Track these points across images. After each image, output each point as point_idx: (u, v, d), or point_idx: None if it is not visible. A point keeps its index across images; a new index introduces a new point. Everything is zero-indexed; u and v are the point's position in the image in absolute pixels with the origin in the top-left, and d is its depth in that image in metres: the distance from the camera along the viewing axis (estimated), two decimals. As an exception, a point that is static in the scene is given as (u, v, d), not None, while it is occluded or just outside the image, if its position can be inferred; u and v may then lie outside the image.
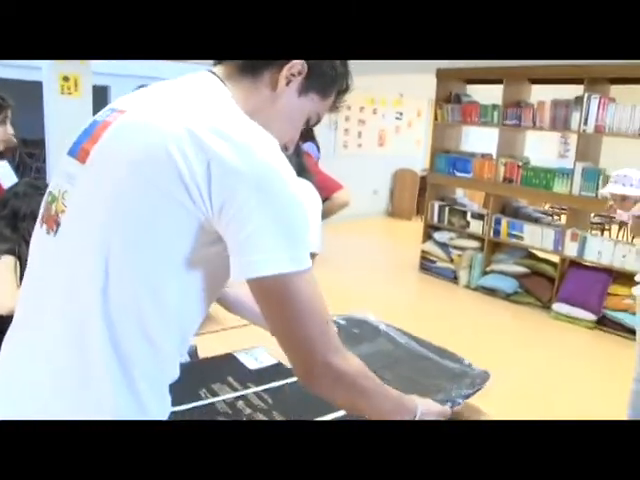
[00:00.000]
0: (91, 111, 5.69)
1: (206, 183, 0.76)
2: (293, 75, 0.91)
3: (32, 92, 6.10)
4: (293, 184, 0.83)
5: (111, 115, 0.88)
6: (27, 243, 2.00)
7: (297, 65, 0.90)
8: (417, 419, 1.02)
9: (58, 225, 0.87)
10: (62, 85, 5.40)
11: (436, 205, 5.93)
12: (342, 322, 1.67)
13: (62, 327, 0.83)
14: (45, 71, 5.44)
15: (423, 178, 8.69)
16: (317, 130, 5.74)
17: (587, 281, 4.68)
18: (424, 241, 6.06)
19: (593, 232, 6.10)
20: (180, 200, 0.77)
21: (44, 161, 10.61)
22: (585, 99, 4.54)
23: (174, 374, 0.91)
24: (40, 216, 0.93)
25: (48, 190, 0.93)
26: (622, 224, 7.67)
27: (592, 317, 4.63)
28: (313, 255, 2.18)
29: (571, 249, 4.82)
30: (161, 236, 0.79)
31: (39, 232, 0.92)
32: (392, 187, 9.54)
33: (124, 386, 0.82)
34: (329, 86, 0.97)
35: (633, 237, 6.40)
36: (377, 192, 9.34)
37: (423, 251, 6.05)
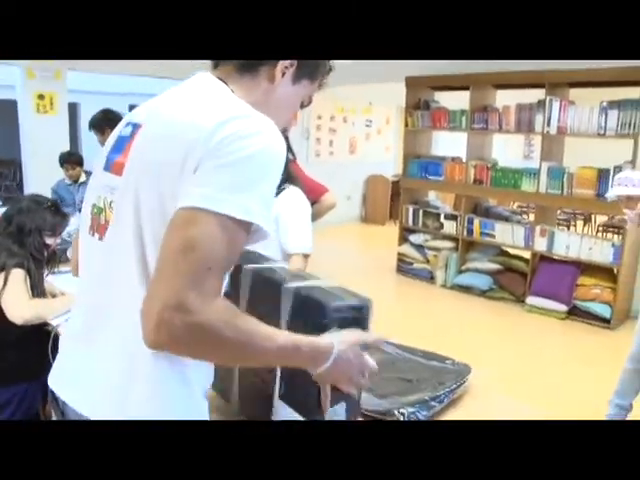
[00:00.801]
0: (67, 129, 5.73)
1: (201, 154, 0.86)
2: (286, 67, 1.05)
3: (6, 111, 6.11)
4: (275, 157, 0.91)
5: (134, 132, 1.00)
6: (33, 257, 2.10)
7: (288, 61, 1.04)
8: (334, 354, 0.99)
9: (106, 230, 1.00)
10: (37, 103, 5.44)
11: (410, 208, 6.13)
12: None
13: (125, 316, 0.94)
14: (19, 89, 5.47)
15: (394, 183, 8.92)
16: (290, 140, 5.88)
17: (557, 274, 4.92)
18: (400, 244, 6.25)
19: (560, 228, 6.38)
20: (180, 177, 0.87)
21: (13, 179, 10.54)
22: (547, 102, 4.80)
23: None
24: (87, 227, 1.05)
25: (92, 203, 1.05)
26: (586, 221, 8.01)
27: (563, 308, 4.87)
28: (306, 255, 2.32)
29: (541, 244, 5.06)
30: (170, 208, 0.88)
31: (90, 240, 1.04)
32: (365, 193, 9.75)
33: (167, 360, 0.93)
34: (316, 71, 1.12)
35: (597, 231, 6.71)
36: (350, 198, 9.53)
37: (399, 253, 6.24)
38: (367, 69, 6.61)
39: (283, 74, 1.05)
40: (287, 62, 1.04)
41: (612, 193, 2.81)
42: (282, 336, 0.93)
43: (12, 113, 5.70)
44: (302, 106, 1.15)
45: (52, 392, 1.08)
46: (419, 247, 6.04)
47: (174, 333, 0.80)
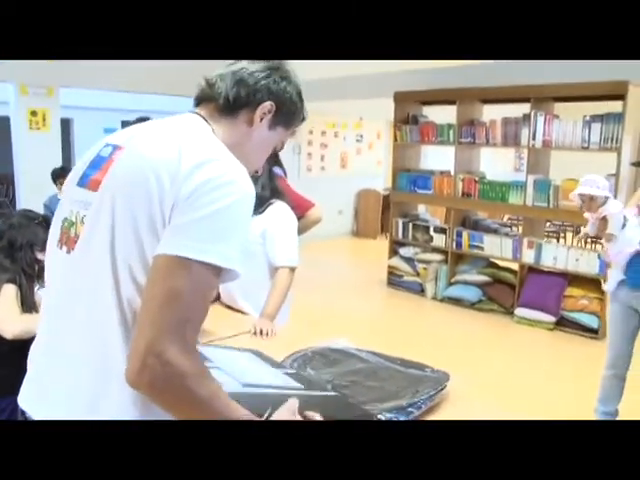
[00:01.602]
0: (60, 145, 5.78)
1: (177, 198, 0.93)
2: (264, 113, 1.13)
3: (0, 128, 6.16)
4: (245, 202, 0.97)
5: (114, 153, 1.05)
6: (25, 272, 2.13)
7: (267, 105, 1.12)
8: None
9: (75, 243, 1.04)
10: (30, 120, 5.49)
11: (400, 222, 6.19)
12: (319, 352, 1.82)
13: (89, 327, 0.99)
14: (13, 106, 5.52)
15: (386, 197, 8.99)
16: (282, 155, 5.97)
17: (545, 285, 4.98)
18: (390, 257, 6.30)
19: (549, 239, 6.46)
20: (157, 220, 0.94)
21: (6, 195, 10.55)
22: (532, 116, 4.89)
23: None
24: (56, 240, 1.09)
25: (63, 217, 1.08)
26: (576, 233, 8.09)
27: (551, 319, 4.92)
28: (293, 268, 2.36)
29: (528, 256, 5.13)
30: (143, 248, 0.95)
31: (58, 253, 1.07)
32: (356, 207, 9.81)
33: None
34: (291, 119, 1.20)
35: (586, 242, 6.79)
36: (342, 212, 9.59)
37: (390, 266, 6.28)
38: (357, 84, 6.72)
39: (261, 119, 1.13)
40: (265, 109, 1.12)
41: (576, 192, 2.88)
42: (236, 410, 0.97)
43: (5, 129, 5.74)
44: (274, 151, 1.22)
45: (23, 412, 1.09)
46: (409, 260, 6.09)
47: (154, 379, 0.87)
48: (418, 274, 6.00)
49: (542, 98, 4.96)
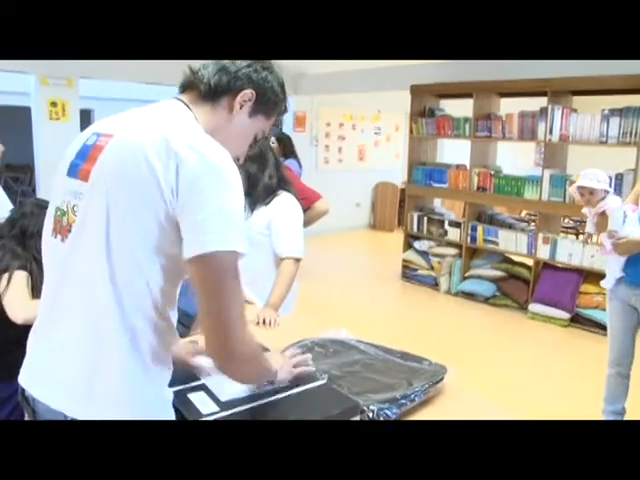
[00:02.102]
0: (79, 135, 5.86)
1: (175, 182, 0.98)
2: (245, 101, 1.17)
3: (21, 118, 6.25)
4: (238, 185, 1.03)
5: (100, 139, 1.08)
6: (36, 259, 2.18)
7: (248, 93, 1.16)
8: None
9: (69, 232, 1.07)
10: (50, 110, 5.57)
11: (415, 215, 6.17)
12: (319, 343, 1.84)
13: (82, 311, 1.04)
14: (33, 97, 5.61)
15: (403, 190, 8.95)
16: (299, 147, 5.98)
17: (560, 282, 4.93)
18: (405, 250, 6.29)
19: (566, 235, 6.38)
20: (154, 197, 0.98)
21: (29, 184, 10.76)
22: (549, 110, 4.83)
23: (169, 335, 1.11)
24: (50, 229, 1.13)
25: (55, 206, 1.13)
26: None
27: (566, 315, 4.87)
28: (298, 259, 2.38)
29: (543, 252, 5.07)
30: (142, 225, 1.00)
31: (52, 242, 1.12)
32: (374, 200, 9.78)
33: (131, 351, 1.02)
34: (272, 109, 1.24)
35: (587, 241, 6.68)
36: (359, 205, 9.58)
37: (404, 260, 6.27)
38: (374, 77, 6.69)
39: (241, 107, 1.17)
40: (246, 97, 1.16)
41: (575, 185, 2.83)
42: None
43: (26, 120, 5.84)
44: (255, 139, 1.25)
45: (22, 390, 1.15)
46: (423, 254, 6.07)
47: (241, 361, 1.07)
48: (432, 268, 5.97)
49: (560, 91, 4.88)
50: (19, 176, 11.02)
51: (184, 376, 1.43)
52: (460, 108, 5.83)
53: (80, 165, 1.08)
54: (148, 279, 1.02)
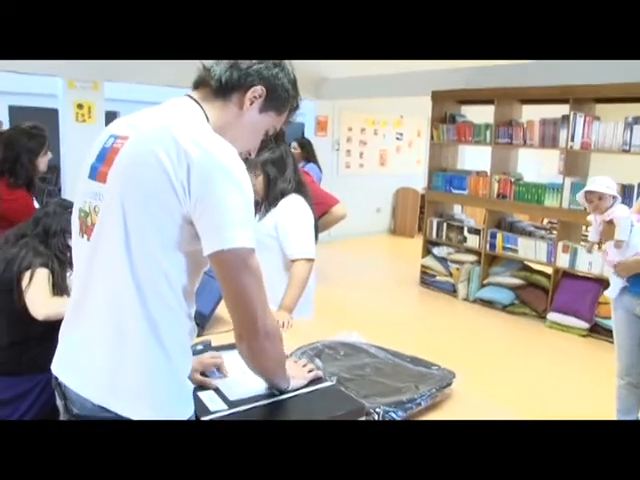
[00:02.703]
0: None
1: (186, 180, 1.02)
2: (255, 97, 1.19)
3: (48, 119, 6.39)
4: (246, 181, 1.07)
5: (117, 142, 1.12)
6: (57, 257, 2.24)
7: (258, 89, 1.18)
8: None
9: (91, 232, 1.13)
10: (77, 112, 5.70)
11: (434, 221, 6.16)
12: (330, 345, 1.86)
13: (105, 306, 1.10)
14: (61, 99, 5.75)
15: (424, 196, 8.93)
16: (320, 151, 6.01)
17: (579, 291, 4.87)
18: (424, 256, 6.28)
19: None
20: (168, 197, 1.02)
21: (55, 184, 10.97)
22: (571, 118, 4.79)
23: (189, 326, 1.16)
24: (78, 229, 1.19)
25: (78, 208, 1.18)
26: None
27: (585, 325, 4.81)
28: (310, 260, 2.39)
29: (563, 260, 5.02)
30: (159, 224, 1.04)
31: (80, 241, 1.18)
32: (394, 205, 9.78)
33: (153, 341, 1.07)
34: (283, 105, 1.26)
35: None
36: (380, 211, 9.58)
37: (423, 266, 6.26)
38: (396, 82, 6.71)
39: (251, 103, 1.20)
40: (256, 93, 1.19)
41: (584, 190, 2.79)
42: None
43: (54, 121, 5.97)
44: (267, 135, 1.28)
45: (55, 378, 1.21)
46: (442, 260, 6.05)
47: (266, 345, 1.14)
48: (451, 274, 5.96)
49: (582, 99, 4.84)
50: (46, 176, 11.24)
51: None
52: (481, 114, 5.81)
53: (99, 168, 1.14)
54: (167, 274, 1.07)
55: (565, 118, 4.86)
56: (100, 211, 1.11)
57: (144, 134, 1.08)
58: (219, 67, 1.18)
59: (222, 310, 2.12)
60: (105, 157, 1.13)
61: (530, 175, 5.87)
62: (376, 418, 1.44)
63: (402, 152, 9.69)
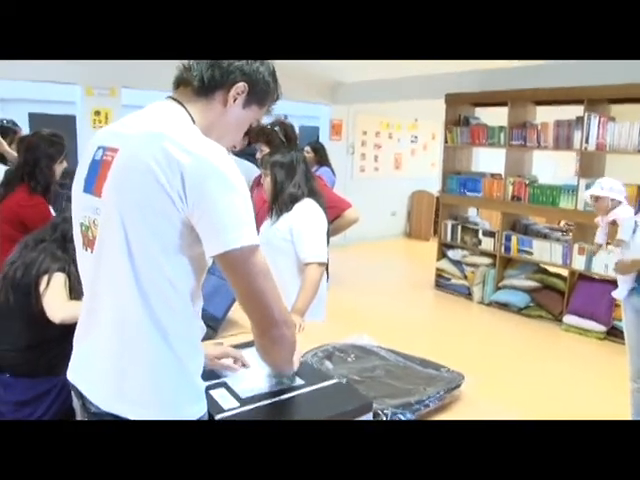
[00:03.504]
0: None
1: (182, 188, 1.03)
2: (238, 94, 1.20)
3: (66, 125, 6.50)
4: (239, 181, 1.08)
5: (107, 154, 1.13)
6: (74, 262, 2.27)
7: (240, 86, 1.19)
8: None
9: (93, 245, 1.15)
10: (94, 119, 5.80)
11: (449, 224, 6.15)
12: (340, 348, 1.88)
13: (111, 315, 1.13)
14: (79, 106, 5.85)
15: (439, 199, 8.92)
16: (335, 155, 6.02)
17: (596, 293, 4.82)
18: (438, 259, 6.27)
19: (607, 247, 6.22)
20: (165, 206, 1.04)
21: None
22: (585, 118, 4.76)
23: (196, 325, 1.19)
24: (81, 243, 1.21)
25: (79, 222, 1.20)
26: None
27: (602, 328, 4.77)
28: (321, 264, 2.40)
29: (579, 263, 4.99)
30: (159, 231, 1.06)
31: (84, 254, 1.20)
32: (409, 209, 9.76)
33: (161, 344, 1.09)
34: (265, 98, 1.27)
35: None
36: (395, 214, 9.57)
37: (438, 269, 6.25)
38: (409, 86, 6.71)
39: (235, 99, 1.20)
40: (239, 89, 1.19)
41: (586, 193, 2.85)
42: None
43: (72, 127, 6.07)
44: (250, 127, 1.31)
45: (73, 385, 1.24)
46: (457, 263, 6.04)
47: (284, 337, 1.19)
48: (465, 277, 5.94)
49: (597, 99, 4.81)
50: (64, 182, 11.42)
51: (206, 374, 1.49)
52: (495, 117, 5.79)
53: (93, 181, 1.15)
54: (170, 278, 1.08)
55: (579, 119, 4.83)
56: (99, 224, 1.13)
57: (134, 146, 1.09)
58: (200, 66, 1.18)
59: (234, 313, 2.16)
60: (97, 171, 1.14)
61: (546, 177, 5.83)
62: (384, 419, 1.45)
63: (417, 155, 9.67)
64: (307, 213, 2.41)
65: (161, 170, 1.03)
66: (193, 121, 1.17)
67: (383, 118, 8.87)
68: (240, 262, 1.07)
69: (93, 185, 1.15)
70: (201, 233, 1.06)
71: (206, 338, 2.00)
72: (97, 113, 5.79)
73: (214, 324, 2.10)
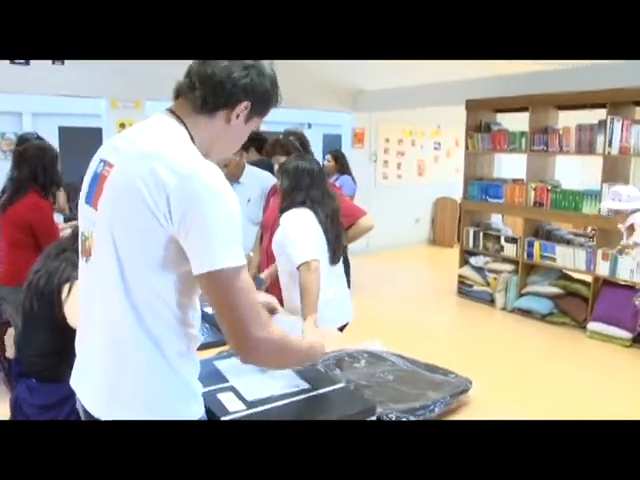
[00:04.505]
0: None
1: (167, 209, 1.05)
2: (242, 110, 1.22)
3: (92, 138, 6.68)
4: (229, 199, 1.09)
5: (105, 168, 1.17)
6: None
7: (244, 105, 1.20)
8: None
9: (90, 255, 1.20)
10: (119, 131, 5.90)
11: (471, 231, 6.12)
12: (351, 354, 1.92)
13: (104, 325, 1.17)
14: (104, 118, 6.01)
15: (461, 206, 8.86)
16: (357, 163, 6.04)
17: (621, 299, 4.74)
18: (461, 266, 6.23)
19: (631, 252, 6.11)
20: (151, 224, 1.07)
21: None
22: (608, 122, 4.70)
23: (192, 337, 1.21)
24: (81, 251, 1.26)
25: (81, 231, 1.25)
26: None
27: (628, 335, 4.68)
28: (307, 263, 2.37)
29: (603, 268, 4.91)
30: (146, 248, 1.09)
31: (82, 263, 1.26)
32: (433, 216, 9.73)
33: (151, 351, 1.13)
34: (266, 108, 1.28)
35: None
36: (419, 221, 9.54)
37: (460, 276, 6.21)
38: (431, 92, 6.72)
39: (238, 115, 1.22)
40: (243, 106, 1.21)
41: (602, 206, 2.85)
42: (304, 342, 1.40)
43: (98, 140, 6.23)
44: (263, 140, 1.33)
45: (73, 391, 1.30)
46: (479, 269, 5.99)
47: (264, 355, 1.17)
48: (488, 284, 5.89)
49: (620, 102, 4.74)
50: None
51: (213, 378, 1.54)
52: (516, 122, 5.76)
53: (92, 194, 1.20)
54: (160, 293, 1.12)
55: (602, 123, 4.77)
56: (94, 236, 1.18)
57: (127, 164, 1.12)
58: (203, 88, 1.17)
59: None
60: (97, 184, 1.19)
61: (572, 182, 5.76)
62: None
63: (440, 162, 9.64)
64: (291, 219, 2.44)
65: (148, 191, 1.06)
66: (191, 137, 1.18)
67: (405, 125, 8.88)
68: (223, 282, 1.08)
69: (92, 197, 1.20)
70: (188, 252, 1.09)
71: (222, 344, 2.06)
72: (122, 125, 5.93)
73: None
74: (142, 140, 1.15)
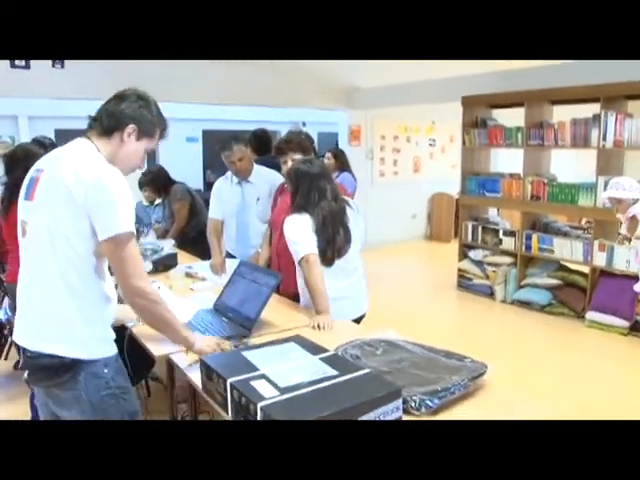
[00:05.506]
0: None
1: (84, 198, 1.56)
2: (130, 133, 1.70)
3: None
4: (121, 192, 1.59)
5: (39, 174, 1.68)
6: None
7: (130, 127, 1.70)
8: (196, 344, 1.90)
9: (26, 233, 1.70)
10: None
11: (469, 225, 6.22)
12: (369, 342, 2.01)
13: (37, 278, 1.66)
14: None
15: (459, 200, 8.95)
16: (355, 161, 6.10)
17: (617, 289, 4.85)
18: (460, 260, 6.33)
19: (627, 243, 6.23)
20: (73, 206, 1.57)
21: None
22: (602, 116, 4.81)
23: (104, 289, 1.72)
24: (20, 233, 1.73)
25: (20, 219, 1.72)
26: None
27: (625, 324, 4.80)
28: (303, 259, 2.45)
29: (600, 259, 5.02)
30: (73, 225, 1.59)
31: (20, 239, 1.73)
32: (430, 211, 9.83)
33: (71, 299, 1.63)
34: (152, 132, 1.78)
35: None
36: (415, 217, 9.64)
37: (460, 269, 6.31)
38: (426, 89, 6.81)
39: (129, 135, 1.71)
40: (130, 129, 1.70)
41: (603, 195, 2.92)
42: (181, 325, 1.92)
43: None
44: (146, 152, 1.77)
45: (14, 342, 1.81)
46: (479, 263, 6.10)
47: (142, 301, 1.71)
48: (487, 277, 5.99)
49: (613, 97, 4.85)
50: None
51: (245, 368, 1.63)
52: (512, 117, 5.86)
53: (30, 192, 1.69)
54: (79, 252, 1.61)
55: (596, 117, 4.88)
56: (31, 219, 1.68)
57: (56, 169, 1.63)
58: (103, 116, 1.69)
59: (265, 315, 2.29)
60: (32, 184, 1.69)
61: (568, 175, 5.86)
62: (413, 405, 1.57)
63: (435, 158, 9.74)
64: (284, 230, 2.56)
65: (72, 184, 1.57)
66: (99, 151, 1.67)
67: (401, 122, 8.97)
68: (122, 241, 1.60)
69: (29, 194, 1.69)
70: (96, 224, 1.59)
71: (241, 337, 2.14)
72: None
73: (248, 324, 2.23)
74: (66, 153, 1.68)
